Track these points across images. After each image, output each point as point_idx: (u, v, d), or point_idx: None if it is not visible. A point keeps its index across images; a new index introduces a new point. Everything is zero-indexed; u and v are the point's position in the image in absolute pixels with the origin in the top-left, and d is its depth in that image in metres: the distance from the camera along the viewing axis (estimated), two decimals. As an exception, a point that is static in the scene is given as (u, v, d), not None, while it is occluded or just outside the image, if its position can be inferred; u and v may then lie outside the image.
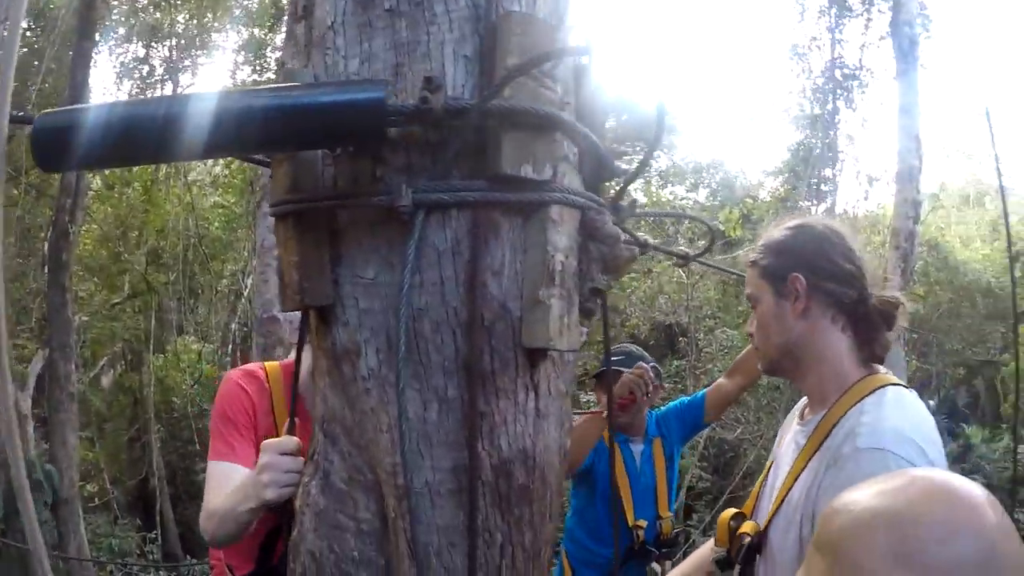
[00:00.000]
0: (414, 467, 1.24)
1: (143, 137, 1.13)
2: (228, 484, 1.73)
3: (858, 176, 15.51)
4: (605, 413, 3.17)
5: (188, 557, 11.47)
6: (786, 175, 14.70)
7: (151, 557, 11.34)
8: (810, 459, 1.60)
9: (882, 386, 1.62)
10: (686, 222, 10.97)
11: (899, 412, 1.55)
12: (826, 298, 1.68)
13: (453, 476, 1.25)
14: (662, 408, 3.78)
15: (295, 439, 1.58)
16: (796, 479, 1.61)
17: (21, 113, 1.94)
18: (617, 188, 1.46)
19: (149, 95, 13.84)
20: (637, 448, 3.56)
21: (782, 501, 1.63)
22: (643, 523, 3.43)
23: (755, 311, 1.81)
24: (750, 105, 36.30)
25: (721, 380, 3.76)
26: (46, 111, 1.18)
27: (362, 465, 1.33)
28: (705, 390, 3.82)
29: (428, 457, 1.25)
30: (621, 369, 3.34)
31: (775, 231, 1.80)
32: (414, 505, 1.23)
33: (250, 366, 2.06)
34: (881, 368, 1.72)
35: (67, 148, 1.12)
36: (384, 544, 1.33)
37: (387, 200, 1.15)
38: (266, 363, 2.03)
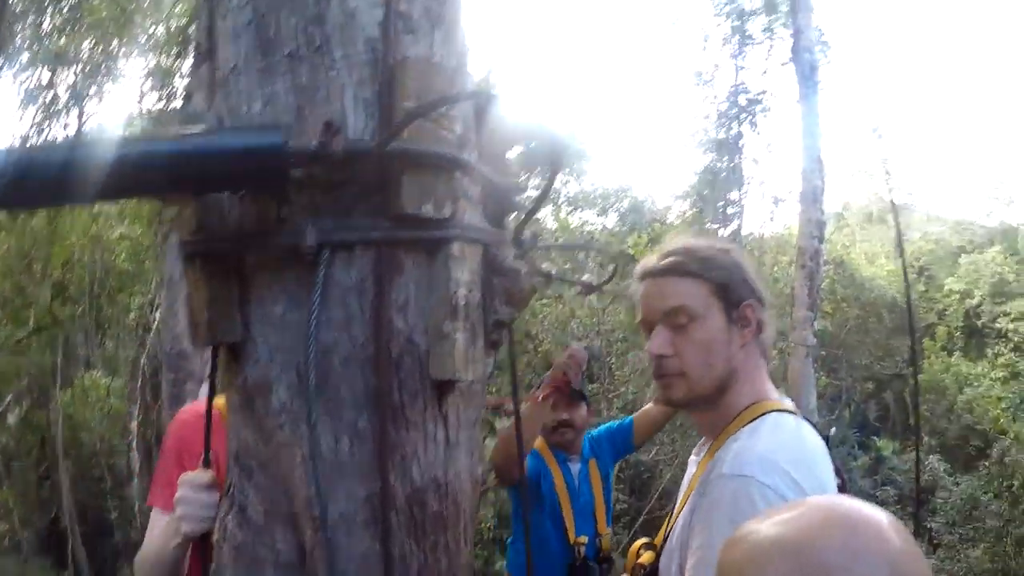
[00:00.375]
0: (329, 499, 1.26)
1: (40, 181, 1.13)
2: None
3: (764, 198, 16.03)
4: (540, 397, 3.26)
5: (102, 598, 11.02)
6: (693, 199, 15.00)
7: (64, 599, 10.86)
8: (694, 489, 1.61)
9: (765, 412, 1.61)
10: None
11: (774, 439, 1.53)
12: (762, 327, 1.68)
13: (367, 506, 1.27)
14: (594, 431, 3.95)
15: (209, 472, 1.60)
16: (682, 509, 1.63)
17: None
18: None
19: (54, 122, 13.39)
20: (575, 467, 3.77)
21: (669, 531, 1.67)
22: (584, 539, 3.60)
23: (682, 329, 1.63)
24: (658, 130, 37.23)
25: (648, 406, 3.98)
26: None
27: (278, 498, 1.34)
28: (633, 415, 3.99)
29: (342, 488, 1.27)
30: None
31: (706, 249, 1.70)
32: (330, 536, 1.25)
33: (203, 405, 1.99)
34: (774, 392, 1.70)
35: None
36: (303, 575, 1.34)
37: (292, 240, 1.18)
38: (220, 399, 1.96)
